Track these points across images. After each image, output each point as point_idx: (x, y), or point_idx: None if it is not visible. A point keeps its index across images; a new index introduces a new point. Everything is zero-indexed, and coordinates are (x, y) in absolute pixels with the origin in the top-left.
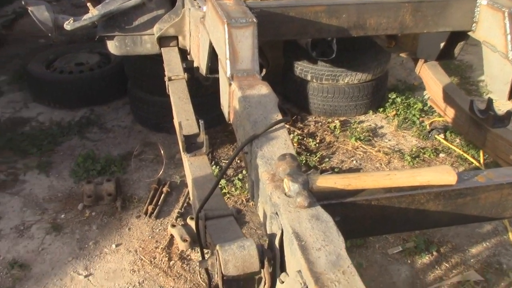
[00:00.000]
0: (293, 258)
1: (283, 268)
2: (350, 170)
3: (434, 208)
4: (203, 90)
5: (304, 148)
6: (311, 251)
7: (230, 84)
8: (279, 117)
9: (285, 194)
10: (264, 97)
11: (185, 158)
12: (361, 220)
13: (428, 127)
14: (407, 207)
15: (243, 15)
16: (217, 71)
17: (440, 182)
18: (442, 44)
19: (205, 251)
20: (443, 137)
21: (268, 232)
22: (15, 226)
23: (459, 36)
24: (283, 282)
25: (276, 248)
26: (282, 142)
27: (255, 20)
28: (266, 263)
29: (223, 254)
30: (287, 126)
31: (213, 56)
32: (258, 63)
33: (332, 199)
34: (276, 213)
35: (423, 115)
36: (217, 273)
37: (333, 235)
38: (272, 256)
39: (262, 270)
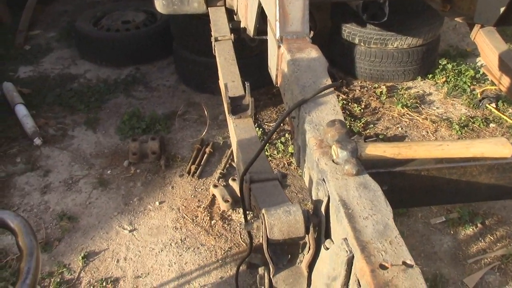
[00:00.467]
0: (339, 226)
1: (327, 235)
2: (395, 138)
3: (487, 181)
4: (248, 51)
5: (348, 113)
6: (358, 220)
7: (279, 47)
8: (329, 82)
9: (333, 161)
10: (313, 61)
11: (230, 120)
12: (410, 190)
13: (479, 95)
14: (458, 179)
15: None
16: (264, 33)
17: (495, 155)
18: (502, 9)
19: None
20: (494, 106)
21: (314, 198)
22: (64, 180)
23: None
24: (327, 249)
25: (321, 214)
26: (331, 107)
27: None
28: (311, 229)
29: (269, 218)
30: None
31: (261, 17)
32: (308, 26)
33: (381, 168)
34: (323, 180)
35: (475, 83)
36: (262, 237)
37: (381, 204)
38: (318, 222)
39: (307, 235)
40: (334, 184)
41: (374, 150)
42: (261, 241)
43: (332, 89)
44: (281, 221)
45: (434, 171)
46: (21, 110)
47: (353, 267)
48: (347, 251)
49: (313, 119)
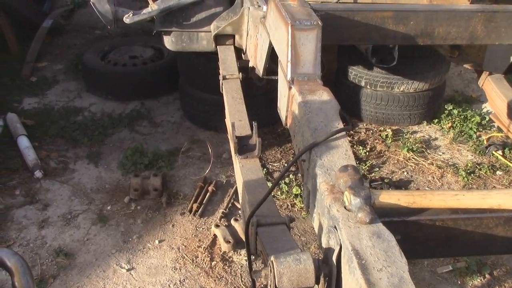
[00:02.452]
0: (351, 277)
1: (338, 286)
2: (401, 182)
3: (503, 233)
4: (254, 90)
5: (353, 156)
6: (371, 271)
7: (290, 88)
8: (340, 125)
9: (345, 207)
10: (325, 103)
11: (236, 160)
12: (424, 240)
13: (485, 142)
14: (473, 231)
15: (308, 17)
16: (272, 73)
17: None
18: (511, 57)
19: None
20: (501, 153)
21: (324, 246)
22: (63, 215)
23: None
24: None
25: (332, 263)
26: (343, 152)
27: (320, 23)
28: (321, 279)
29: (278, 266)
30: None
31: (271, 57)
32: (320, 68)
33: (394, 217)
34: (335, 227)
35: (481, 129)
36: (269, 285)
37: (395, 256)
38: (328, 272)
39: (316, 286)
40: (347, 233)
41: (388, 198)
42: (263, 285)
43: (344, 133)
44: (291, 270)
45: (449, 222)
46: (24, 142)
47: None
48: None
49: (324, 163)
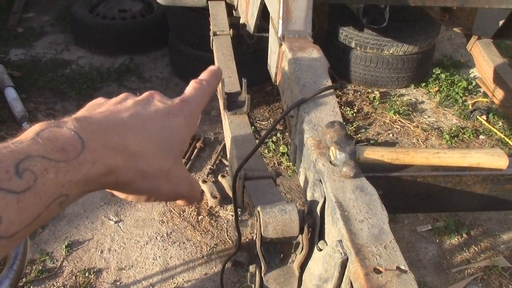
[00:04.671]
0: (334, 228)
1: (321, 236)
2: (386, 144)
3: (480, 191)
4: (244, 48)
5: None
6: (353, 222)
7: (280, 45)
8: (329, 83)
9: (330, 162)
10: (315, 61)
11: (225, 115)
12: (405, 196)
13: (470, 107)
14: (452, 188)
15: None
16: (264, 30)
17: (490, 166)
18: (501, 22)
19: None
20: (485, 118)
21: (309, 199)
22: None
23: None
24: (320, 250)
25: (316, 215)
26: (331, 109)
27: None
28: (305, 229)
29: (264, 216)
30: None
31: (262, 14)
32: (311, 25)
33: (377, 172)
34: (320, 181)
35: (467, 94)
36: (255, 234)
37: (377, 208)
38: (312, 223)
39: (300, 235)
40: (331, 186)
41: (372, 153)
42: (248, 240)
43: (332, 90)
44: (276, 220)
45: (429, 178)
46: (11, 93)
47: (346, 269)
48: (341, 253)
49: (312, 119)
